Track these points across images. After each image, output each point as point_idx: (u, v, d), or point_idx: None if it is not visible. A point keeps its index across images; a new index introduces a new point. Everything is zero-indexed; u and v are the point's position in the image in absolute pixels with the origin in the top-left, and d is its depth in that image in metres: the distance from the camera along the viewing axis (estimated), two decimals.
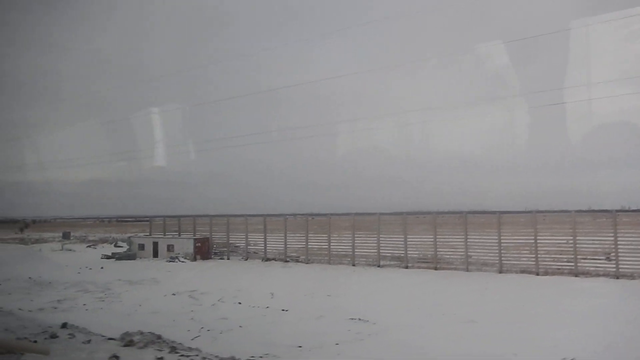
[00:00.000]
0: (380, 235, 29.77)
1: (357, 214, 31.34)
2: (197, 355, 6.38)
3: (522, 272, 25.37)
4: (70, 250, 41.12)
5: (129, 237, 40.89)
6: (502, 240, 26.02)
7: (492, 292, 19.66)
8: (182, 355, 6.27)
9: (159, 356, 6.05)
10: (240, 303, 17.50)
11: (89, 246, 44.89)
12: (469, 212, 27.53)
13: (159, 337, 7.13)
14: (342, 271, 28.03)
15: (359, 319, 12.96)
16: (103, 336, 7.55)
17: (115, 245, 45.02)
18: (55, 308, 15.07)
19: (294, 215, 34.42)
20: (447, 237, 27.93)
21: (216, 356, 6.51)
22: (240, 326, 12.08)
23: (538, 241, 25.18)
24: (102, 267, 29.86)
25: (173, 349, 6.70)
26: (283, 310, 15.61)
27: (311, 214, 33.45)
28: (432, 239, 28.11)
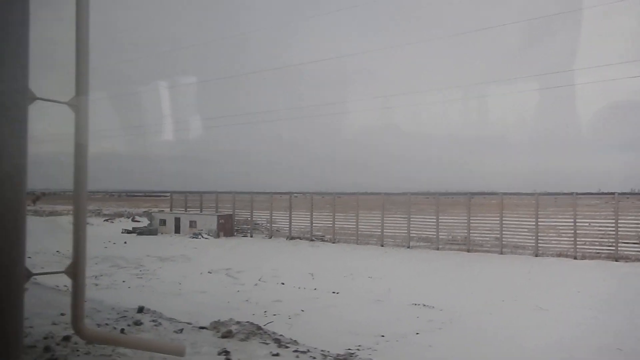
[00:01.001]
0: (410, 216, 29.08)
1: (386, 193, 30.55)
2: (315, 349, 5.65)
3: (559, 255, 24.68)
4: (88, 223, 40.56)
5: (150, 212, 40.36)
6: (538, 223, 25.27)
7: (539, 275, 18.91)
8: (296, 351, 5.53)
9: (273, 352, 5.31)
10: (283, 284, 16.84)
11: (106, 220, 44.40)
12: (504, 194, 26.65)
13: (259, 327, 6.39)
14: (372, 252, 27.37)
15: (423, 305, 12.25)
16: (190, 324, 6.83)
17: (133, 220, 44.57)
18: (96, 285, 14.43)
19: (321, 194, 33.63)
20: (479, 219, 27.20)
21: (329, 353, 5.77)
22: (302, 310, 11.40)
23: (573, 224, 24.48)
24: (125, 242, 29.33)
25: (277, 342, 5.97)
26: (334, 292, 14.93)
27: (338, 193, 32.63)
28: (464, 221, 27.38)
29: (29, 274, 3.35)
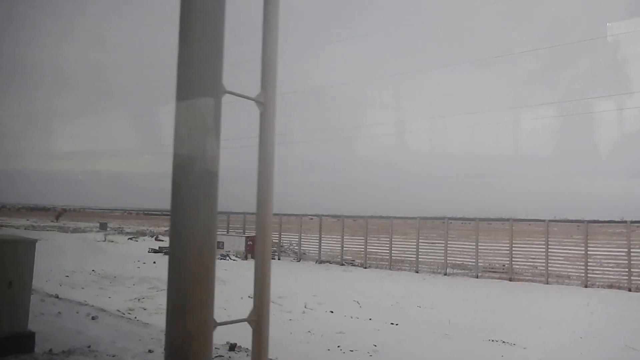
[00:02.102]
0: (448, 242, 28.10)
1: (422, 217, 29.63)
2: None
3: (610, 287, 23.51)
4: (112, 242, 40.05)
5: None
6: (588, 251, 24.14)
7: (602, 309, 17.78)
8: None
9: None
10: (332, 312, 15.94)
11: (130, 238, 43.87)
12: (551, 220, 25.62)
13: None
14: (409, 278, 26.38)
15: (502, 342, 11.28)
16: None
17: (156, 239, 44.01)
18: (144, 309, 13.65)
19: (353, 217, 32.83)
20: (520, 245, 26.15)
21: None
22: (374, 345, 10.49)
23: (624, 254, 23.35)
24: (154, 262, 28.58)
25: None
26: (392, 324, 13.99)
27: (371, 216, 31.80)
28: (504, 248, 26.35)
29: (215, 324, 2.56)
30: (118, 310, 11.08)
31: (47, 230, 47.96)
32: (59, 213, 65.26)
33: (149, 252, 33.68)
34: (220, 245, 33.41)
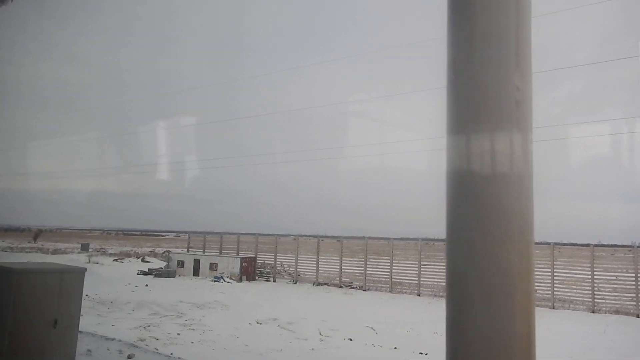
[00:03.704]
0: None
1: (424, 239, 29.07)
2: None
3: (616, 312, 23.13)
4: (97, 263, 38.48)
5: (167, 252, 38.46)
6: (595, 275, 23.80)
7: (620, 337, 17.31)
8: None
9: None
10: (351, 339, 15.11)
11: (115, 260, 42.27)
12: (556, 244, 25.28)
13: None
14: (413, 301, 25.68)
15: None
16: None
17: (143, 260, 42.55)
18: (157, 339, 12.62)
19: (352, 238, 32.10)
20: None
21: None
22: None
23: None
24: (146, 285, 27.35)
25: None
26: (421, 353, 13.24)
27: (370, 237, 31.10)
28: None
29: None
30: (146, 345, 10.08)
31: (27, 252, 45.99)
32: (36, 234, 62.90)
33: (138, 274, 32.35)
34: (214, 266, 32.30)
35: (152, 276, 31.78)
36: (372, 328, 17.16)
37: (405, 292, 28.60)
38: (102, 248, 54.40)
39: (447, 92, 1.55)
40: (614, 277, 23.69)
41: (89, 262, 39.01)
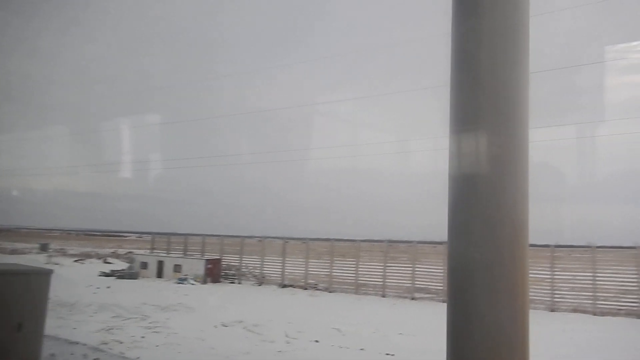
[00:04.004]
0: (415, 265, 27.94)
1: (390, 241, 29.41)
2: None
3: (574, 311, 23.93)
4: (58, 264, 37.37)
5: (130, 253, 37.69)
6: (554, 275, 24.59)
7: (580, 335, 17.94)
8: None
9: None
10: (317, 341, 15.16)
11: (76, 260, 41.17)
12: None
13: None
14: (378, 303, 25.93)
15: None
16: None
17: (105, 262, 41.56)
18: (121, 342, 12.37)
19: (318, 239, 32.18)
20: None
21: None
22: None
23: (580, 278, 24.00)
24: (108, 287, 26.76)
25: None
26: (388, 354, 13.41)
27: (336, 239, 31.25)
28: None
29: None
30: (110, 349, 9.86)
31: None
32: None
33: (99, 275, 31.64)
34: (178, 268, 31.84)
35: (114, 278, 31.11)
36: (338, 330, 17.24)
37: (371, 294, 28.84)
38: (62, 248, 52.83)
39: (451, 93, 1.59)
40: (572, 277, 24.52)
41: (48, 262, 37.86)
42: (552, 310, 23.95)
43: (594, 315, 22.91)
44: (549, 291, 24.40)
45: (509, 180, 1.49)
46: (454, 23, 1.56)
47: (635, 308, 22.52)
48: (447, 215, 1.66)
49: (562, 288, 24.49)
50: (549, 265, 24.64)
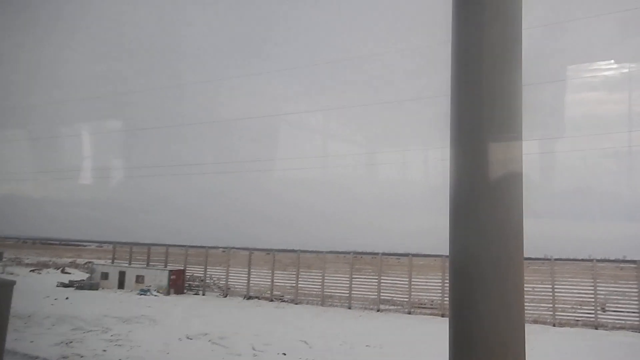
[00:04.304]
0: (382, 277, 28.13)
1: (356, 252, 29.55)
2: None
3: (534, 322, 24.51)
4: (13, 274, 35.94)
5: (89, 263, 36.61)
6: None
7: (547, 346, 18.40)
8: None
9: None
10: (285, 354, 15.05)
11: (33, 271, 39.71)
12: None
13: None
14: (344, 315, 25.93)
15: None
16: None
17: (63, 272, 40.22)
18: (81, 356, 11.97)
19: (284, 251, 32.04)
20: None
21: None
22: None
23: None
24: (67, 298, 25.88)
25: None
26: None
27: (303, 250, 31.16)
28: (437, 283, 26.86)
29: None
30: None
31: None
32: None
33: (57, 286, 30.61)
34: (141, 279, 31.12)
35: (73, 288, 30.12)
36: (305, 342, 17.18)
37: (337, 305, 28.83)
38: (18, 258, 50.87)
39: (452, 104, 1.63)
40: (531, 289, 25.12)
41: (2, 272, 36.40)
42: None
43: (554, 326, 23.56)
44: None
45: (506, 194, 1.54)
46: (453, 37, 1.61)
47: (592, 319, 23.28)
48: (443, 229, 1.70)
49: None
50: None
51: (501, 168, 1.57)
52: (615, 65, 24.72)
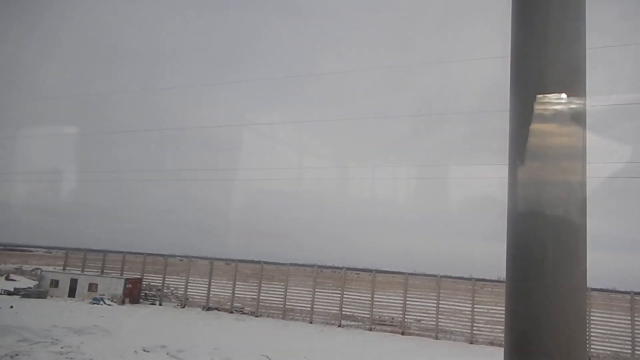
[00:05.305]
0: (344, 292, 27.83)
1: (320, 266, 29.19)
2: None
3: (491, 343, 24.65)
4: None
5: (38, 270, 34.80)
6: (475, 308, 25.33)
7: None
8: None
9: None
10: None
11: None
12: (443, 276, 26.63)
13: None
14: (305, 329, 25.45)
15: None
16: None
17: (7, 279, 38.10)
18: None
19: (246, 261, 31.37)
20: (416, 300, 26.58)
21: None
22: None
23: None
24: (12, 307, 24.38)
25: None
26: None
27: (266, 262, 30.55)
28: (399, 301, 26.72)
29: None
30: None
31: None
32: None
33: (1, 294, 28.90)
34: (94, 287, 29.76)
35: (18, 297, 28.48)
36: (266, 357, 16.67)
37: (298, 319, 28.33)
38: None
39: (510, 122, 1.43)
40: (486, 310, 25.30)
41: None
42: (471, 343, 24.65)
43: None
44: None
45: (570, 219, 1.35)
46: (513, 48, 1.45)
47: None
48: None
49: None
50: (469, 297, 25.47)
51: (564, 197, 1.38)
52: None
